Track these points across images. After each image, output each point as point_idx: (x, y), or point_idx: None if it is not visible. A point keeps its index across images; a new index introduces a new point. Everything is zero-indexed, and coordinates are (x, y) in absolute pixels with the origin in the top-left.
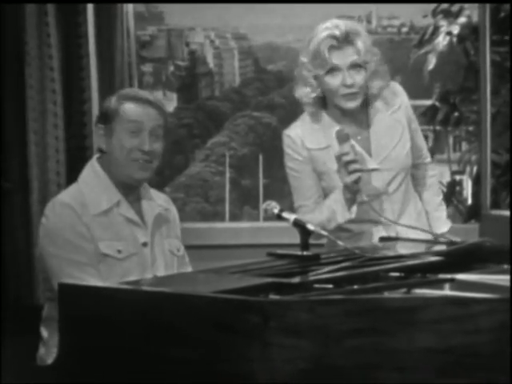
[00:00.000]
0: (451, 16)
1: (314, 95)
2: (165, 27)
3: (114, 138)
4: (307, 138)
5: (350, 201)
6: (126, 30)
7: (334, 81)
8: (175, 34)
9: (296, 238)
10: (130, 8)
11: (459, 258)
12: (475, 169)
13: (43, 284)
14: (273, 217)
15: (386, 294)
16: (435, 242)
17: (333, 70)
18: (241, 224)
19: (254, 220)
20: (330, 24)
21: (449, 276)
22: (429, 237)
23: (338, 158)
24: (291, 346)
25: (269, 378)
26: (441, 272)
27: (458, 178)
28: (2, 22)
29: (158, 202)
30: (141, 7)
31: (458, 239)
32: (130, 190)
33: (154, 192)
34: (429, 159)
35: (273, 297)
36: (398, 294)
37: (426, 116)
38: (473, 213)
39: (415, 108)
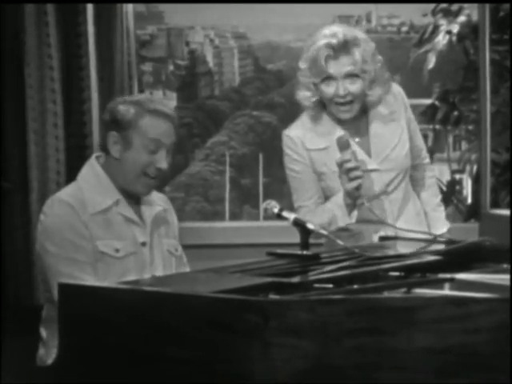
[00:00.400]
0: (451, 15)
1: (314, 99)
2: (164, 26)
3: (130, 150)
4: (307, 139)
5: (351, 206)
6: (125, 29)
7: (328, 89)
8: (175, 33)
9: (296, 238)
10: (129, 7)
11: (459, 258)
12: (475, 168)
13: (43, 284)
14: (273, 216)
15: (386, 294)
16: (435, 241)
17: (328, 78)
18: (241, 223)
19: (254, 219)
20: (329, 32)
21: (448, 276)
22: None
23: (339, 164)
24: (291, 346)
25: (269, 377)
26: (440, 271)
27: (457, 177)
28: (2, 21)
29: (157, 202)
30: (141, 7)
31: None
32: (130, 193)
33: (153, 192)
34: (427, 160)
35: (273, 296)
36: (397, 293)
37: (426, 115)
38: (472, 212)
39: (415, 107)
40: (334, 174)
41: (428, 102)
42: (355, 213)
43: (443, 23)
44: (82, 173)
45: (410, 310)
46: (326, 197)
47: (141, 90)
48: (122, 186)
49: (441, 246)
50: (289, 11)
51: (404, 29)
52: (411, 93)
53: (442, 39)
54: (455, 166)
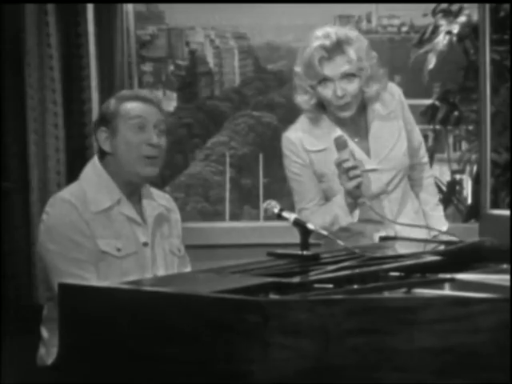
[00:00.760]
0: (451, 15)
1: (312, 102)
2: (165, 27)
3: (118, 137)
4: (306, 140)
5: (352, 205)
6: (126, 29)
7: (326, 91)
8: (175, 33)
9: (296, 238)
10: (130, 7)
11: (459, 258)
12: (475, 168)
13: (43, 284)
14: (273, 216)
15: (386, 294)
16: (435, 241)
17: (325, 80)
18: (241, 223)
19: (254, 219)
20: (321, 33)
21: (449, 276)
22: (428, 235)
23: (338, 164)
24: (291, 346)
25: (269, 377)
26: (441, 272)
27: (457, 177)
28: (2, 21)
29: (159, 201)
30: (141, 7)
31: (457, 238)
32: (132, 190)
33: (155, 191)
34: (426, 159)
35: (273, 297)
36: (397, 293)
37: (426, 115)
38: (473, 212)
39: (415, 107)
40: (334, 174)
41: (428, 102)
42: (357, 212)
43: (443, 23)
44: (84, 172)
45: (410, 310)
46: (328, 198)
47: None
48: (127, 179)
49: (441, 246)
50: (289, 11)
51: (404, 29)
52: (411, 93)
53: (442, 39)
54: (455, 167)
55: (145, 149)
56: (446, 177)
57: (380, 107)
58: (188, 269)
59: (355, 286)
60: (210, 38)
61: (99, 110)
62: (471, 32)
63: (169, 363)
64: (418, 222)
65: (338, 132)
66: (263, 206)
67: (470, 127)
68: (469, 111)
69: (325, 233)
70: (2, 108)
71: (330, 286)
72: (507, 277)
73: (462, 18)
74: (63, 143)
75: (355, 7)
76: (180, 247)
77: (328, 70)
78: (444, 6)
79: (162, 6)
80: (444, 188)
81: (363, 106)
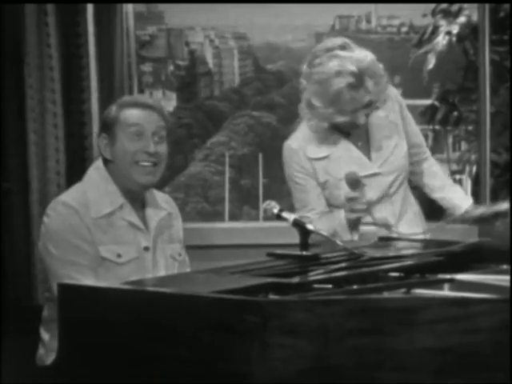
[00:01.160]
0: (450, 16)
1: (326, 125)
2: (164, 27)
3: (116, 144)
4: (308, 148)
5: (353, 228)
6: (125, 29)
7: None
8: (175, 33)
9: (296, 238)
10: (129, 8)
11: (458, 258)
12: (474, 168)
13: (42, 284)
14: (272, 217)
15: (386, 294)
16: (434, 241)
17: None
18: (240, 224)
19: (254, 220)
20: (345, 66)
21: (448, 276)
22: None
23: (348, 200)
24: (290, 346)
25: (268, 378)
26: (440, 272)
27: (457, 177)
28: (2, 21)
29: (162, 205)
30: (141, 7)
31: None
32: (135, 196)
33: (159, 195)
34: (427, 154)
35: (272, 297)
36: (397, 294)
37: (426, 116)
38: None
39: (415, 108)
40: (337, 182)
41: (427, 102)
42: (356, 233)
43: (443, 24)
44: (88, 175)
45: (409, 311)
46: (330, 205)
47: (141, 91)
48: (127, 187)
49: (440, 247)
50: (288, 12)
51: (404, 29)
52: (411, 93)
53: (441, 40)
54: (455, 167)
55: (141, 157)
56: None
57: (379, 111)
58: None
59: (355, 287)
60: (210, 38)
61: (101, 116)
62: (471, 32)
63: (168, 363)
64: (418, 223)
65: (339, 139)
66: (263, 206)
67: (470, 127)
68: (468, 111)
69: (324, 233)
70: (1, 108)
71: (330, 286)
72: (506, 277)
73: (462, 19)
74: (63, 143)
75: (355, 7)
76: (181, 251)
77: (353, 104)
78: (444, 6)
79: (161, 7)
80: None
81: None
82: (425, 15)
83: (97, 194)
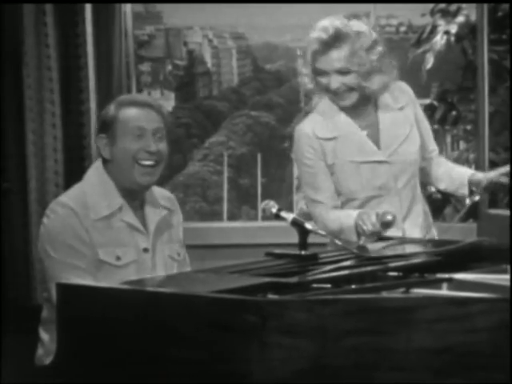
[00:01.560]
0: (449, 15)
1: (312, 85)
2: (163, 27)
3: (117, 144)
4: (318, 129)
5: (361, 236)
6: (124, 29)
7: (323, 81)
8: (173, 33)
9: (294, 238)
10: (128, 8)
11: (457, 258)
12: (473, 168)
13: (41, 284)
14: (271, 216)
15: (384, 294)
16: (434, 241)
17: (319, 72)
18: (239, 223)
19: (253, 219)
20: (321, 26)
21: (447, 275)
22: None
23: (370, 232)
24: (289, 346)
25: (266, 377)
26: (439, 271)
27: None
28: (0, 21)
29: (162, 204)
30: (139, 7)
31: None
32: (134, 196)
33: (159, 192)
34: (436, 152)
35: (271, 296)
36: (396, 293)
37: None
38: (471, 212)
39: None
40: (343, 165)
41: (426, 101)
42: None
43: (441, 23)
44: (87, 176)
45: (408, 310)
46: (338, 192)
47: (139, 90)
48: (126, 186)
49: (440, 247)
50: (287, 11)
51: (402, 29)
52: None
53: (440, 39)
54: None
55: (142, 156)
56: None
57: (391, 101)
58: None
59: (353, 286)
60: (208, 37)
61: (99, 115)
62: (469, 32)
63: (167, 363)
64: (425, 223)
65: (350, 122)
66: (261, 205)
67: (468, 127)
68: (467, 111)
69: (323, 233)
70: (0, 108)
71: (328, 285)
72: (504, 276)
73: (460, 18)
74: (61, 143)
75: (353, 7)
76: (180, 251)
77: (322, 63)
78: (442, 5)
79: (159, 6)
80: None
81: (373, 99)
82: (423, 15)
83: (96, 195)
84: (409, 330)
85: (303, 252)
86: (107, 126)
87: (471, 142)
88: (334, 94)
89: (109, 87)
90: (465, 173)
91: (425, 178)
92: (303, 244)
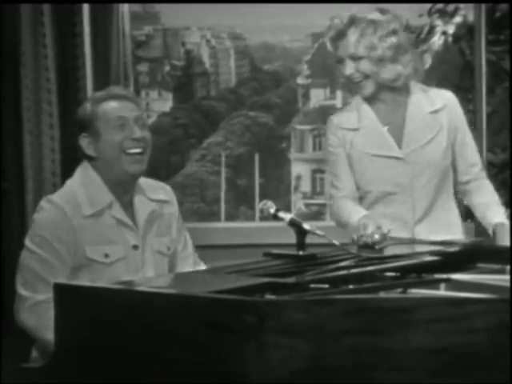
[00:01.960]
0: (447, 16)
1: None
2: (161, 27)
3: (101, 139)
4: (343, 119)
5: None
6: (121, 29)
7: (341, 69)
8: (171, 33)
9: (292, 238)
10: (125, 8)
11: (455, 258)
12: None
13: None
14: (269, 216)
15: (382, 294)
16: (434, 242)
17: (339, 60)
18: (237, 224)
19: (250, 220)
20: (340, 14)
21: (444, 276)
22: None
23: (370, 234)
24: (287, 346)
25: (264, 378)
26: (436, 272)
27: None
28: None
29: (152, 196)
30: (137, 7)
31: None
32: (124, 191)
33: (150, 185)
34: (479, 168)
35: (269, 297)
36: (393, 293)
37: None
38: (470, 212)
39: None
40: (360, 156)
41: None
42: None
43: (439, 24)
44: (76, 175)
45: (405, 311)
46: (356, 184)
47: (137, 91)
48: (116, 179)
49: (438, 247)
50: (285, 12)
51: None
52: None
53: (437, 40)
54: None
55: (128, 144)
56: None
57: (425, 103)
58: (186, 262)
59: (351, 287)
60: (206, 38)
61: (76, 116)
62: (467, 32)
63: (164, 363)
64: (452, 234)
65: (375, 119)
66: (259, 206)
67: None
68: (464, 111)
69: (321, 233)
70: None
71: (326, 286)
72: (502, 277)
73: (458, 19)
74: (58, 144)
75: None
76: (169, 245)
77: (339, 50)
78: (440, 6)
79: (157, 7)
80: None
81: (403, 96)
82: (421, 15)
83: (85, 193)
84: (407, 330)
85: (301, 252)
86: (87, 125)
87: None
88: (352, 83)
89: (106, 87)
90: (492, 218)
91: (463, 196)
92: (301, 244)
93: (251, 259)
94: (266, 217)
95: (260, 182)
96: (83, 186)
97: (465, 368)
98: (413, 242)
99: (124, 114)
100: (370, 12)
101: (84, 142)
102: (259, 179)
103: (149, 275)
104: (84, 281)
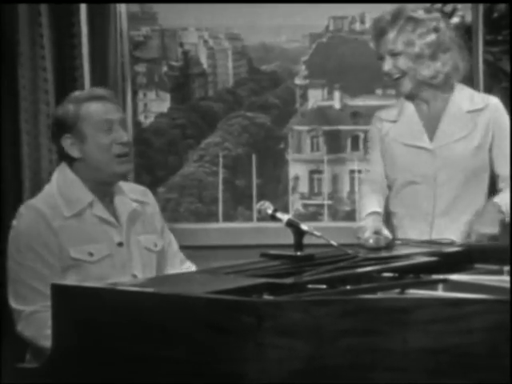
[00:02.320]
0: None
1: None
2: (158, 27)
3: (87, 141)
4: (385, 113)
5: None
6: (119, 30)
7: (382, 66)
8: (169, 34)
9: (290, 239)
10: (123, 8)
11: (454, 259)
12: None
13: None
14: (266, 217)
15: (380, 295)
16: (432, 242)
17: (380, 57)
18: (234, 224)
19: (248, 220)
20: (382, 12)
21: (442, 276)
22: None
23: (366, 239)
24: (285, 347)
25: (262, 378)
26: (434, 272)
27: None
28: None
29: (132, 197)
30: (134, 7)
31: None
32: (105, 191)
33: (128, 186)
34: (506, 187)
35: (266, 297)
36: (391, 294)
37: None
38: None
39: None
40: (393, 144)
41: None
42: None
43: None
44: (54, 179)
45: (403, 311)
46: (386, 174)
47: (134, 91)
48: (99, 182)
49: (438, 248)
50: (283, 12)
51: None
52: None
53: None
54: None
55: (116, 148)
56: None
57: (465, 102)
58: (173, 260)
59: (349, 287)
60: (204, 38)
61: (55, 117)
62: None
63: (162, 364)
64: (458, 234)
65: (415, 116)
66: (257, 206)
67: None
68: None
69: (318, 234)
70: None
71: (324, 286)
72: (500, 278)
73: (456, 19)
74: None
75: (349, 9)
76: (157, 241)
77: (380, 47)
78: (437, 6)
79: (155, 7)
80: None
81: (444, 94)
82: None
83: (64, 194)
84: (404, 330)
85: (299, 253)
86: (70, 126)
87: None
88: (391, 80)
89: (104, 88)
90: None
91: None
92: (298, 245)
93: (249, 260)
94: (263, 217)
95: (258, 183)
96: (62, 188)
97: (462, 368)
98: (412, 242)
99: (110, 116)
100: (414, 10)
101: (67, 142)
102: (257, 180)
103: (136, 272)
104: (72, 281)
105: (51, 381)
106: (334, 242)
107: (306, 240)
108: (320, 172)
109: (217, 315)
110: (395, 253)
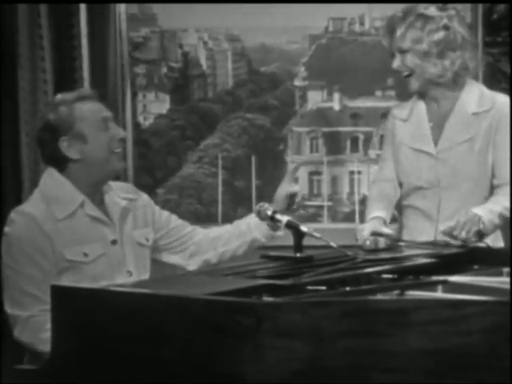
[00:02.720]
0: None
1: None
2: (158, 29)
3: (88, 141)
4: (397, 110)
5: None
6: (118, 31)
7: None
8: (168, 35)
9: (289, 240)
10: (122, 9)
11: (453, 260)
12: None
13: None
14: (266, 218)
15: (379, 296)
16: (431, 243)
17: (391, 55)
18: None
19: None
20: (378, 15)
21: (441, 278)
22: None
23: (363, 240)
24: (284, 348)
25: (261, 379)
26: (434, 274)
27: None
28: None
29: (121, 194)
30: (134, 9)
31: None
32: (96, 190)
33: (115, 185)
34: (504, 184)
35: (266, 299)
36: (390, 295)
37: None
38: None
39: None
40: (400, 147)
41: None
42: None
43: None
44: (42, 183)
45: (403, 312)
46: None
47: (133, 92)
48: (94, 181)
49: (437, 249)
50: (282, 13)
51: None
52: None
53: None
54: None
55: (115, 144)
56: None
57: (472, 103)
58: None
59: (348, 288)
60: (203, 40)
61: (46, 121)
62: None
63: (162, 365)
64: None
65: (424, 116)
66: (256, 208)
67: None
68: None
69: (318, 235)
70: None
71: (323, 288)
72: (499, 279)
73: None
74: None
75: (348, 9)
76: (148, 236)
77: (392, 44)
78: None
79: (154, 8)
80: None
81: (454, 95)
82: None
83: (55, 197)
84: (404, 331)
85: (298, 254)
86: (66, 128)
87: None
88: (402, 77)
89: (104, 89)
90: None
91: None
92: (298, 246)
93: (248, 261)
94: (263, 219)
95: (257, 184)
96: (52, 191)
97: (462, 369)
98: (412, 244)
99: (104, 114)
100: (426, 7)
101: (63, 145)
102: (256, 181)
103: (131, 268)
104: (71, 282)
105: (51, 381)
106: (333, 244)
107: (306, 241)
108: (319, 173)
109: (216, 317)
110: (395, 254)
